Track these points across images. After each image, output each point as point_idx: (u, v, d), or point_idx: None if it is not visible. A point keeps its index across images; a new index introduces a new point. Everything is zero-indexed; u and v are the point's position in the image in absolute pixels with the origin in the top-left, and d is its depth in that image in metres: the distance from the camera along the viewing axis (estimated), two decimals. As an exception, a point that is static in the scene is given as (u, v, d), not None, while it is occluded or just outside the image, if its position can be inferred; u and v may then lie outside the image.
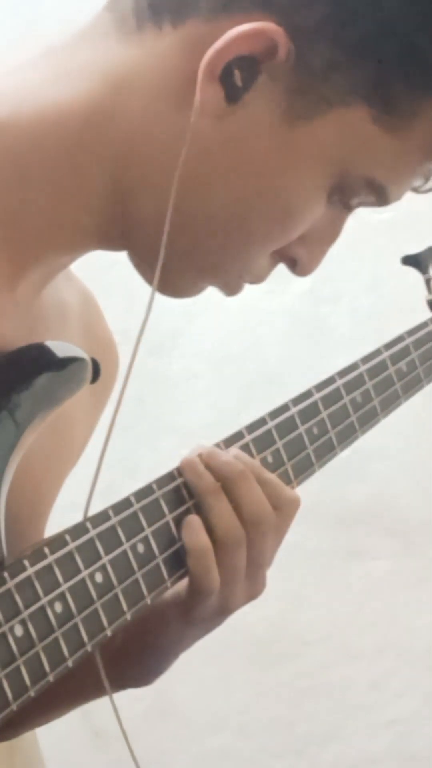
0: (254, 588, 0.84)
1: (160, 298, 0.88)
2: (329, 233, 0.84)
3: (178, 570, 0.79)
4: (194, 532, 0.80)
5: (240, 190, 0.79)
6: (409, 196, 0.90)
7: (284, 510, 0.84)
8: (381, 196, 0.82)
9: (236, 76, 0.76)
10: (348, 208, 0.83)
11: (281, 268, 0.87)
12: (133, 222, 0.80)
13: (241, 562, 0.82)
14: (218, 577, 0.80)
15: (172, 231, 0.78)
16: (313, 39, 0.76)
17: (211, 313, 2.08)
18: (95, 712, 2.01)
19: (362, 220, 0.88)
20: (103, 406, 0.96)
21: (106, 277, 1.17)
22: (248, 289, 0.87)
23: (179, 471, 0.81)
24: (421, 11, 0.76)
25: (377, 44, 0.76)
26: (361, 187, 0.81)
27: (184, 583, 0.81)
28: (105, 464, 0.78)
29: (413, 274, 1.09)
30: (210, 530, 0.80)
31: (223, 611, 0.83)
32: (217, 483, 0.81)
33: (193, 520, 0.80)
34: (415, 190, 0.87)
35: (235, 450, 0.83)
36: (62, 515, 0.85)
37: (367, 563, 2.08)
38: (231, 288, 0.85)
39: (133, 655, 0.86)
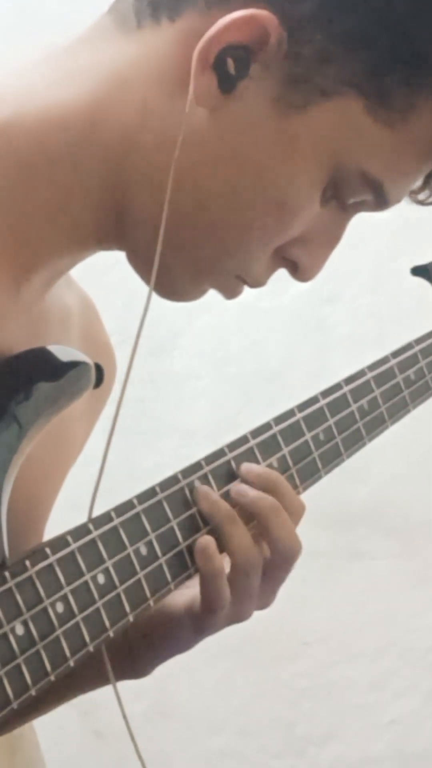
0: (266, 600, 0.85)
1: (160, 298, 0.88)
2: (330, 236, 0.84)
3: (182, 572, 0.79)
4: (208, 558, 0.79)
5: (235, 182, 0.78)
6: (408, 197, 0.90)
7: (294, 518, 0.84)
8: (378, 195, 0.82)
9: (229, 65, 0.76)
10: (344, 209, 0.83)
11: (282, 269, 0.87)
12: (131, 218, 0.80)
13: (256, 583, 0.82)
14: (229, 597, 0.80)
15: (169, 226, 0.78)
16: (306, 28, 0.76)
17: (211, 313, 2.08)
18: (95, 712, 2.02)
19: (362, 219, 0.87)
20: (101, 410, 0.96)
21: (106, 278, 1.17)
22: (248, 288, 0.87)
23: (180, 477, 0.80)
24: (415, 3, 0.76)
25: (370, 35, 0.76)
26: (356, 182, 0.80)
27: (197, 591, 0.81)
28: (106, 464, 0.78)
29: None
30: (229, 554, 0.80)
31: (232, 621, 0.84)
32: (232, 511, 0.80)
33: (208, 546, 0.79)
34: (421, 202, 0.87)
35: (260, 469, 0.83)
36: (64, 516, 0.85)
37: (367, 563, 2.08)
38: (230, 290, 0.85)
39: (139, 651, 0.86)
